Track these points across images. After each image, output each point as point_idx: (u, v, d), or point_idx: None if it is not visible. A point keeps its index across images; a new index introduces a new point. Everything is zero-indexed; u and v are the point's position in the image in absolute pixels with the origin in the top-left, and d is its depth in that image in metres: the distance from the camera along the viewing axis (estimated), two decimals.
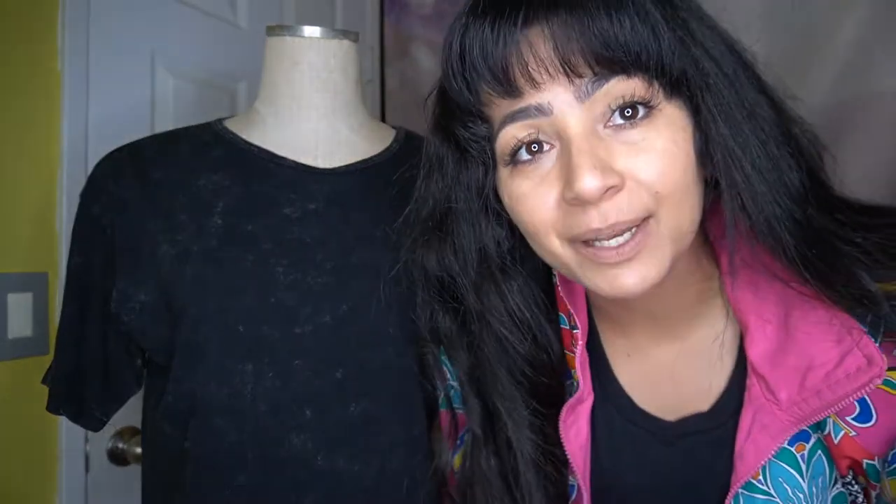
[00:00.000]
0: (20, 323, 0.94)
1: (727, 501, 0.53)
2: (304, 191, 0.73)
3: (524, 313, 0.60)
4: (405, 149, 0.80)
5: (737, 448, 0.53)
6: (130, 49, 1.09)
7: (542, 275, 0.63)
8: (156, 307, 0.69)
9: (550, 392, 0.61)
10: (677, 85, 0.49)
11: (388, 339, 0.71)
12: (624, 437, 0.60)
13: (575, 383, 0.60)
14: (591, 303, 0.64)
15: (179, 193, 0.71)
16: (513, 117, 0.50)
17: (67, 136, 0.99)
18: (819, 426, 0.53)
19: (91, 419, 0.77)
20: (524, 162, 0.51)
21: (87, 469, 1.02)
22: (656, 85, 0.48)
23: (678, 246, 0.51)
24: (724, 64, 0.50)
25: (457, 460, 0.70)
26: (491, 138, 0.53)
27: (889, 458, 0.51)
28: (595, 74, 0.48)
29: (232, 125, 0.77)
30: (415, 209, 0.62)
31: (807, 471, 0.52)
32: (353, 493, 0.69)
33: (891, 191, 1.18)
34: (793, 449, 0.52)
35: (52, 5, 0.98)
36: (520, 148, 0.51)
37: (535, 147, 0.51)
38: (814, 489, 0.52)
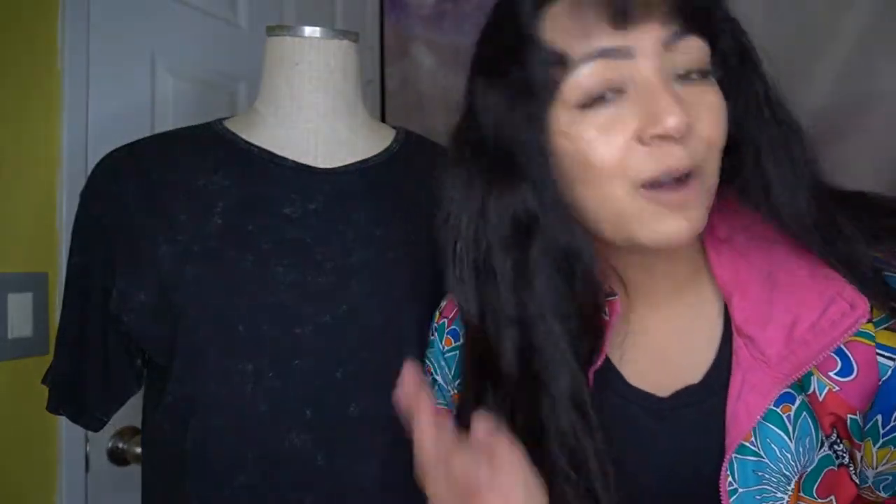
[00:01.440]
0: (20, 323, 0.94)
1: (724, 466, 0.54)
2: (303, 191, 0.73)
3: (569, 261, 0.57)
4: (405, 149, 0.80)
5: (728, 412, 0.54)
6: (130, 49, 1.09)
7: None
8: (156, 307, 0.69)
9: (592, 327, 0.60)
10: (722, 61, 0.53)
11: (387, 339, 0.71)
12: (618, 413, 0.60)
13: (598, 349, 0.59)
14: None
15: (179, 193, 0.71)
16: (599, 55, 0.50)
17: (67, 136, 0.99)
18: (803, 386, 0.54)
19: (91, 419, 0.77)
20: (597, 102, 0.51)
21: (87, 469, 1.02)
22: (711, 52, 0.52)
23: (711, 197, 0.53)
24: (754, 56, 0.55)
25: None
26: (561, 76, 0.51)
27: (868, 415, 0.52)
28: (679, 26, 0.51)
29: (232, 125, 0.77)
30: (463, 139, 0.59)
31: (793, 431, 0.53)
32: (353, 492, 0.69)
33: (891, 190, 1.18)
34: (779, 409, 0.54)
35: (52, 5, 0.98)
36: (601, 90, 0.51)
37: (610, 95, 0.51)
38: (801, 449, 0.53)
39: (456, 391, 0.68)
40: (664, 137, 0.49)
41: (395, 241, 0.74)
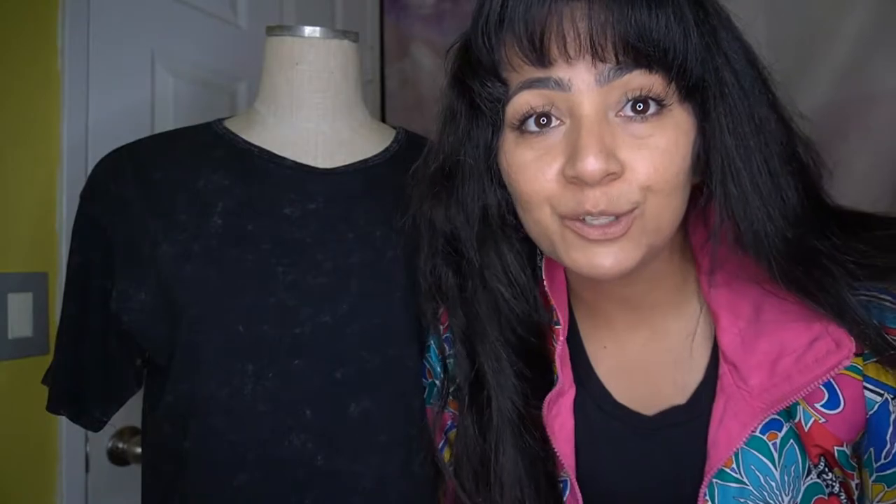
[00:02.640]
0: (20, 323, 0.94)
1: (702, 489, 0.54)
2: (303, 191, 0.73)
3: (520, 274, 0.61)
4: (405, 149, 0.80)
5: (710, 436, 0.54)
6: (130, 49, 1.09)
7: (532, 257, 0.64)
8: (156, 307, 0.69)
9: (539, 357, 0.62)
10: (692, 90, 0.51)
11: (387, 339, 0.71)
12: (602, 430, 0.61)
13: (556, 377, 0.61)
14: (572, 292, 0.65)
15: (179, 193, 0.71)
16: (531, 84, 0.51)
17: (67, 136, 0.99)
18: (790, 414, 0.54)
19: (91, 419, 0.77)
20: (532, 132, 0.52)
21: (87, 469, 1.02)
22: (673, 86, 0.50)
23: (656, 240, 0.52)
24: (742, 77, 0.51)
25: (446, 454, 0.70)
26: (504, 101, 0.53)
27: (861, 446, 0.53)
28: (618, 63, 0.49)
29: (232, 125, 0.77)
30: (424, 162, 0.62)
31: (779, 459, 0.53)
32: (353, 492, 0.69)
33: (891, 190, 1.18)
34: (764, 437, 0.53)
35: (52, 5, 0.98)
36: (531, 115, 0.52)
37: (543, 120, 0.51)
38: (786, 478, 0.53)
39: (452, 397, 0.69)
40: (580, 180, 0.49)
41: (395, 241, 0.74)
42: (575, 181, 0.49)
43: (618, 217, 0.50)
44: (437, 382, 0.70)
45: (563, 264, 0.54)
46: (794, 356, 0.52)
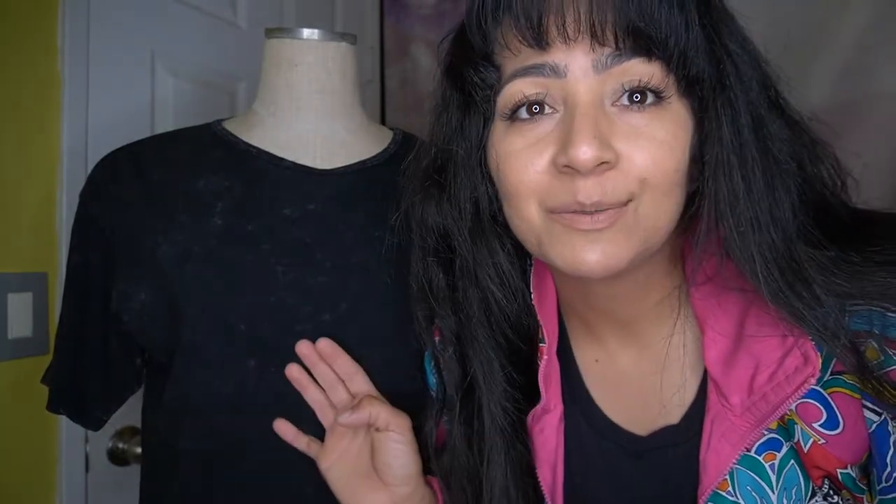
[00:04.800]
0: (20, 323, 0.95)
1: None
2: (302, 191, 0.73)
3: (511, 275, 0.59)
4: (403, 151, 0.80)
5: (700, 458, 0.52)
6: (130, 49, 1.09)
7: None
8: (156, 307, 0.69)
9: (529, 364, 0.60)
10: (692, 85, 0.49)
11: (386, 338, 0.72)
12: (593, 448, 0.59)
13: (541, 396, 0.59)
14: (562, 304, 0.62)
15: (179, 194, 0.71)
16: (525, 72, 0.49)
17: (67, 136, 0.99)
18: (789, 434, 0.51)
19: (91, 418, 0.77)
20: (523, 120, 0.50)
21: (87, 469, 1.02)
22: (672, 78, 0.48)
23: (648, 239, 0.49)
24: (743, 72, 0.49)
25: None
26: (497, 89, 0.51)
27: (868, 467, 0.50)
28: (617, 49, 0.47)
29: (231, 126, 0.77)
30: (416, 157, 0.60)
31: (777, 481, 0.50)
32: None
33: (891, 190, 1.18)
34: (760, 458, 0.51)
35: (52, 6, 0.98)
36: (523, 104, 0.49)
37: (536, 108, 0.49)
38: (785, 500, 0.50)
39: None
40: (573, 169, 0.46)
41: (394, 242, 0.74)
42: (567, 170, 0.47)
43: (601, 211, 0.48)
44: (433, 394, 0.68)
45: (549, 261, 0.51)
46: (768, 372, 0.50)
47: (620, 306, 0.57)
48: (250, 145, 0.75)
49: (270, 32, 0.78)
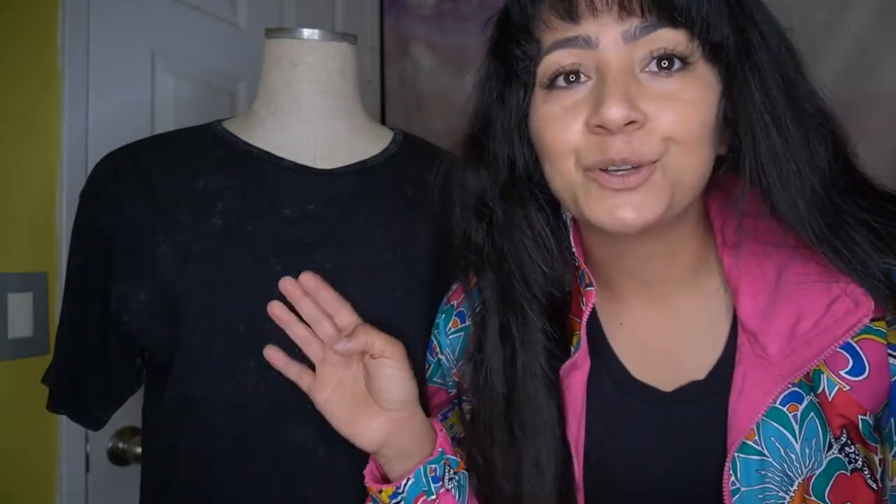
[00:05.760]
0: (20, 323, 0.95)
1: (727, 463, 0.54)
2: (302, 191, 0.73)
3: (546, 233, 0.62)
4: (402, 151, 0.80)
5: (730, 408, 0.54)
6: (130, 49, 1.09)
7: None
8: (156, 307, 0.69)
9: (561, 324, 0.63)
10: (716, 51, 0.52)
11: None
12: (618, 406, 0.60)
13: (577, 341, 0.61)
14: (591, 267, 0.64)
15: (179, 194, 0.71)
16: (561, 44, 0.53)
17: (67, 136, 0.99)
18: (812, 386, 0.54)
19: (91, 418, 0.77)
20: (560, 88, 0.54)
21: (87, 469, 1.02)
22: (697, 42, 0.51)
23: (678, 196, 0.53)
24: (769, 37, 0.53)
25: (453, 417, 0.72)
26: (537, 61, 0.56)
27: (883, 419, 0.52)
28: (644, 18, 0.51)
29: (231, 126, 0.77)
30: (460, 128, 0.64)
31: (800, 432, 0.53)
32: (353, 485, 0.69)
33: (891, 189, 1.18)
34: (785, 409, 0.53)
35: (52, 5, 0.98)
36: (560, 74, 0.54)
37: (572, 77, 0.54)
38: (807, 450, 0.53)
39: (458, 372, 0.69)
40: (604, 128, 0.50)
41: (394, 242, 0.74)
42: (599, 130, 0.51)
43: (639, 167, 0.51)
44: (443, 358, 0.71)
45: (585, 218, 0.55)
46: (813, 319, 0.52)
47: (651, 267, 0.60)
48: (250, 145, 0.75)
49: (271, 32, 0.78)
